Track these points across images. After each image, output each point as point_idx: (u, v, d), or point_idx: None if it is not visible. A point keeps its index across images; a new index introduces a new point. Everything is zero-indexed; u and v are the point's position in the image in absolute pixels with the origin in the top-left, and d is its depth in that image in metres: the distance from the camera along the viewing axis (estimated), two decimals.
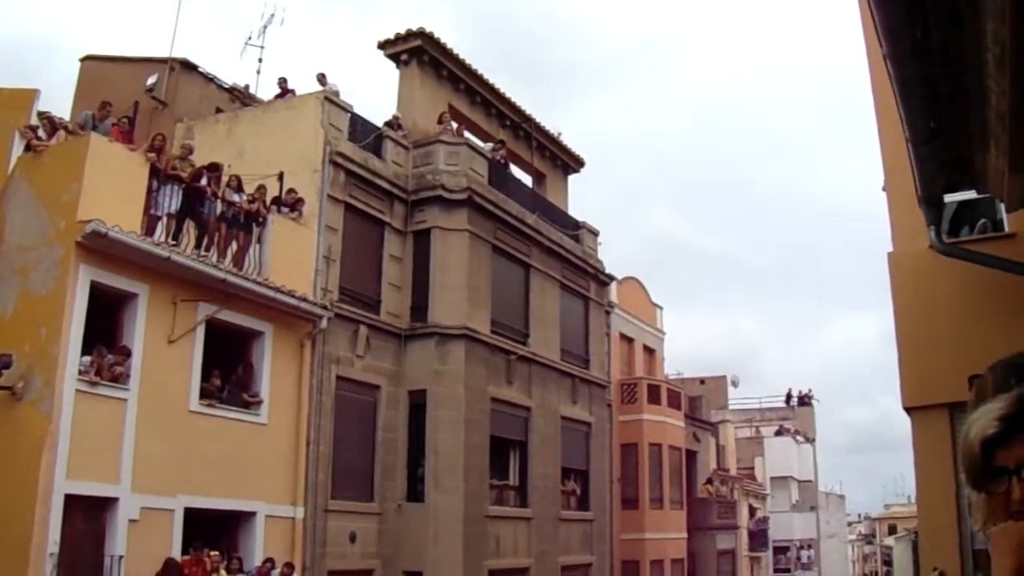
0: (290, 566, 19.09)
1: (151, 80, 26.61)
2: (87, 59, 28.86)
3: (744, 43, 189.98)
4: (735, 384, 61.62)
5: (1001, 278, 10.25)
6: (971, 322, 10.62)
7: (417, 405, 23.67)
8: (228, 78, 29.04)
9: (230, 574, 18.07)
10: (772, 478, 58.48)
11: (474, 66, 28.85)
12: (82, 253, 16.25)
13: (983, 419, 1.85)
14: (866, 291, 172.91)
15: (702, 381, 56.15)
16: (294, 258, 21.01)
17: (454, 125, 27.35)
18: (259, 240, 20.49)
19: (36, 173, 17.64)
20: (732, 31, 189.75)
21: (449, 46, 27.63)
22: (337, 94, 23.98)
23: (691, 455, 41.97)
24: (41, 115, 19.17)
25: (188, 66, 27.57)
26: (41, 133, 18.54)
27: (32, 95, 19.60)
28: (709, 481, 45.15)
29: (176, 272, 17.79)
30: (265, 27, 29.47)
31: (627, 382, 36.84)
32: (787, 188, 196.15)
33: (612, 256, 31.12)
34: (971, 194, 10.32)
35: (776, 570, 55.81)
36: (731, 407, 60.92)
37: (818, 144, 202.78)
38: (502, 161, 28.76)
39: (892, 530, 75.46)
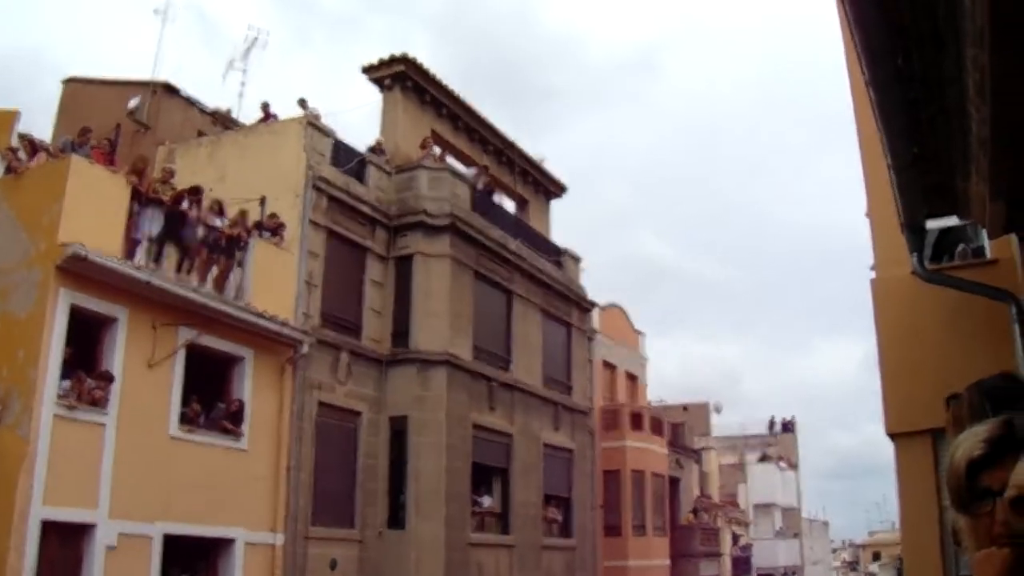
0: None
1: (133, 103, 26.54)
2: (70, 81, 28.81)
3: (726, 66, 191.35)
4: (718, 411, 61.67)
5: (983, 304, 10.26)
6: (954, 348, 10.62)
7: (398, 431, 23.56)
8: (210, 101, 29.00)
9: None
10: (755, 505, 58.57)
11: (457, 91, 28.91)
12: (61, 276, 16.15)
13: (969, 441, 1.84)
14: (849, 317, 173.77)
15: (685, 408, 56.10)
16: (275, 283, 20.93)
17: (437, 151, 27.41)
18: (240, 264, 20.40)
19: (16, 195, 17.54)
20: (714, 54, 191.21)
21: (432, 71, 27.69)
22: (319, 119, 23.98)
23: (674, 482, 41.90)
24: (22, 136, 19.11)
25: (170, 89, 27.53)
26: (21, 155, 18.46)
27: (12, 116, 19.57)
28: (695, 512, 45.13)
29: (156, 296, 17.71)
30: (248, 51, 29.45)
31: (609, 409, 36.77)
32: (769, 211, 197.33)
33: (594, 279, 31.24)
34: (953, 220, 10.33)
35: None
36: (714, 434, 60.91)
37: (801, 168, 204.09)
38: (485, 188, 28.78)
39: (876, 556, 75.44)
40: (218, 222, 20.27)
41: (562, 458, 30.31)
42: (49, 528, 15.36)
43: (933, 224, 10.34)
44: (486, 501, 26.10)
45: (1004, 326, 10.10)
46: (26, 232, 16.87)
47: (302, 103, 25.15)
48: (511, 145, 31.61)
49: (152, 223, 18.64)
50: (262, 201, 22.22)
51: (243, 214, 20.98)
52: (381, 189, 24.86)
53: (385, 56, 26.98)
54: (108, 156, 20.57)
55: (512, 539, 26.45)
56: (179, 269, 18.90)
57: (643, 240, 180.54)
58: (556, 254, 31.90)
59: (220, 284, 19.76)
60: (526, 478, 27.54)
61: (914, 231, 9.91)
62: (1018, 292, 9.88)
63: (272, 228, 21.54)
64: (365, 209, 23.96)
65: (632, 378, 40.62)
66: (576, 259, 33.16)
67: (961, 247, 11.71)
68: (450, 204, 25.12)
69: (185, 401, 18.49)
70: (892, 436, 11.40)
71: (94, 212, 17.02)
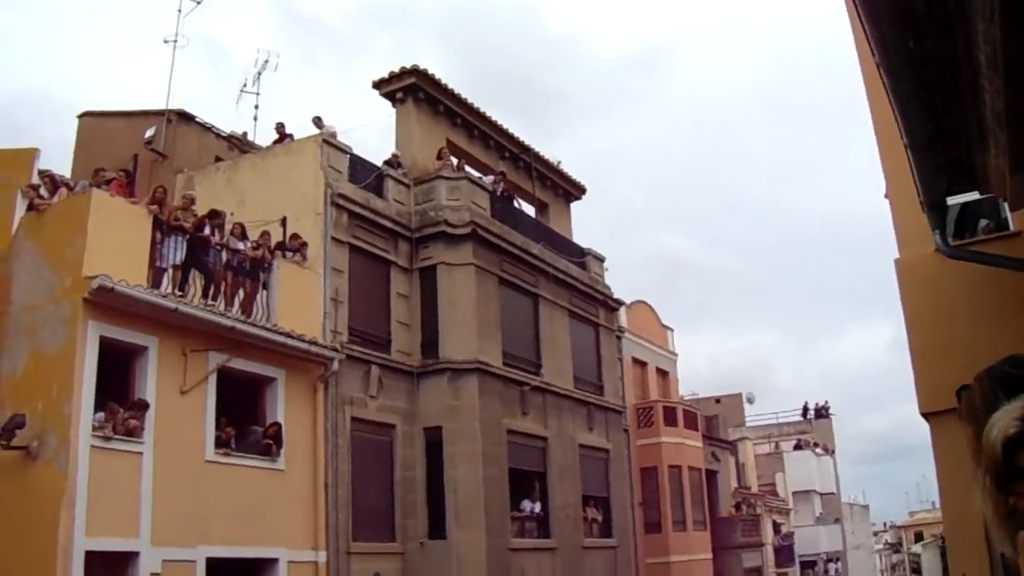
0: None
1: (149, 133, 26.70)
2: (85, 115, 28.99)
3: (737, 54, 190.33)
4: (751, 401, 61.49)
5: (1010, 277, 10.21)
6: (982, 323, 10.57)
7: (433, 442, 23.58)
8: (226, 126, 29.14)
9: None
10: (794, 492, 58.25)
11: (470, 99, 28.93)
12: (89, 309, 16.23)
13: (1004, 420, 1.83)
14: (875, 299, 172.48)
15: (717, 400, 55.99)
16: (302, 302, 21.01)
17: (454, 160, 27.41)
18: (265, 286, 20.49)
19: (40, 231, 17.66)
20: (725, 42, 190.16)
21: (444, 81, 27.73)
22: (334, 136, 24.07)
23: (711, 475, 41.78)
24: (42, 173, 19.23)
25: (185, 117, 27.68)
26: (43, 191, 18.60)
27: (32, 154, 19.68)
28: (737, 506, 45.03)
29: (185, 323, 17.79)
30: (259, 73, 29.61)
31: (643, 406, 36.75)
32: (788, 198, 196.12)
33: (617, 279, 31.15)
34: (973, 195, 10.29)
35: None
36: (748, 424, 60.75)
37: (818, 153, 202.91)
38: (504, 194, 28.79)
39: (919, 537, 75.02)
40: (241, 245, 20.35)
41: (598, 458, 30.25)
42: (93, 559, 15.41)
43: (954, 200, 10.31)
44: (528, 506, 26.07)
45: None
46: (51, 268, 16.98)
47: (317, 121, 25.23)
48: (527, 150, 31.61)
49: (176, 251, 18.72)
50: (283, 221, 22.31)
51: (265, 236, 21.07)
52: (400, 202, 24.91)
53: (395, 69, 27.03)
54: (127, 187, 20.69)
55: (553, 542, 26.39)
56: (205, 295, 18.99)
57: (661, 238, 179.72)
58: (579, 255, 31.87)
59: (247, 307, 19.84)
60: (563, 481, 27.49)
61: (935, 209, 9.88)
62: None
63: (295, 248, 21.62)
64: (386, 223, 24.02)
65: (663, 374, 40.57)
66: (600, 259, 33.07)
67: (984, 222, 11.66)
68: (470, 212, 25.14)
69: (218, 424, 18.57)
70: (926, 416, 11.36)
71: (117, 244, 17.11)
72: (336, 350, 21.17)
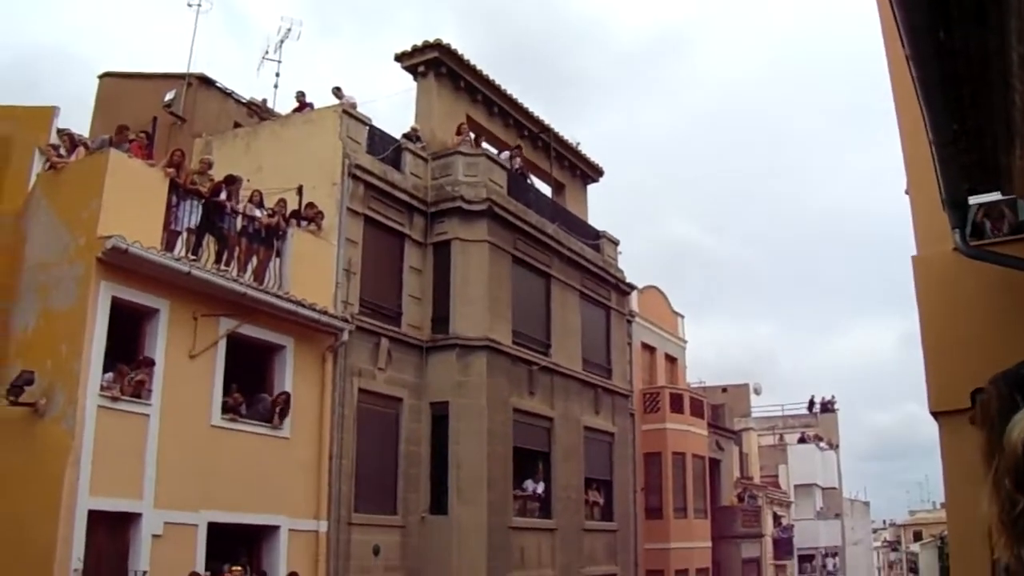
0: None
1: (169, 96, 26.66)
2: (105, 76, 28.96)
3: (757, 44, 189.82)
4: (757, 392, 61.41)
5: None
6: (998, 324, 10.50)
7: (439, 417, 23.65)
8: (246, 93, 29.09)
9: None
10: (796, 485, 58.29)
11: (491, 76, 28.85)
12: (102, 269, 16.23)
13: None
14: (885, 296, 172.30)
15: (724, 389, 55.93)
16: (314, 271, 21.02)
17: (472, 136, 27.37)
18: (279, 254, 20.49)
19: (56, 190, 17.69)
20: (745, 32, 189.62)
21: (466, 57, 27.66)
22: (355, 107, 24.02)
23: (714, 463, 41.84)
24: (61, 132, 19.24)
25: (206, 81, 27.64)
26: (62, 151, 18.60)
27: (51, 112, 19.69)
28: (740, 497, 45.08)
29: (197, 287, 17.80)
30: (282, 41, 29.50)
31: (650, 391, 36.75)
32: (802, 190, 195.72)
33: (627, 263, 31.16)
34: (995, 196, 10.22)
35: None
36: (754, 415, 60.71)
37: (835, 146, 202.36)
38: (519, 169, 28.72)
39: (917, 536, 75.15)
40: (256, 212, 20.34)
41: (603, 441, 30.31)
42: (96, 518, 15.50)
43: (975, 200, 10.24)
44: (530, 486, 26.11)
45: None
46: (66, 227, 17.00)
47: (337, 92, 25.19)
48: (546, 129, 31.54)
49: (191, 214, 18.73)
50: (299, 190, 22.28)
51: (281, 203, 21.06)
52: (417, 175, 24.88)
53: (418, 43, 26.99)
54: (146, 149, 20.68)
55: (553, 523, 26.46)
56: (219, 260, 19.01)
57: (672, 225, 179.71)
58: (594, 237, 31.81)
59: (260, 274, 19.85)
60: (567, 462, 27.54)
61: (956, 207, 9.80)
62: None
63: (310, 217, 21.60)
64: (402, 196, 24.00)
65: (671, 360, 40.54)
66: (615, 242, 33.01)
67: (1006, 224, 11.57)
68: (487, 189, 25.10)
69: (226, 390, 18.61)
70: (936, 415, 11.31)
71: (133, 205, 17.09)
72: (347, 321, 21.19)
